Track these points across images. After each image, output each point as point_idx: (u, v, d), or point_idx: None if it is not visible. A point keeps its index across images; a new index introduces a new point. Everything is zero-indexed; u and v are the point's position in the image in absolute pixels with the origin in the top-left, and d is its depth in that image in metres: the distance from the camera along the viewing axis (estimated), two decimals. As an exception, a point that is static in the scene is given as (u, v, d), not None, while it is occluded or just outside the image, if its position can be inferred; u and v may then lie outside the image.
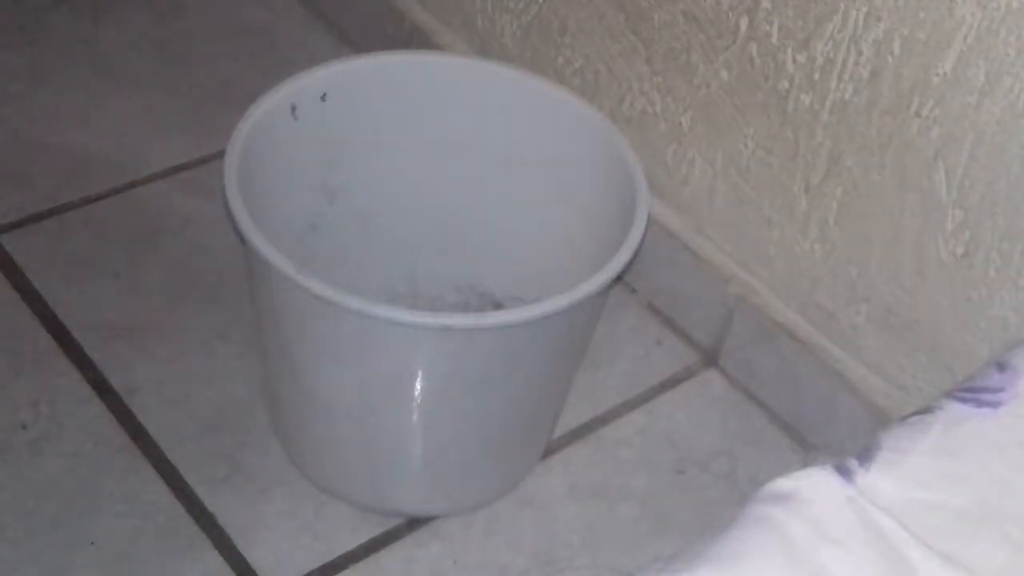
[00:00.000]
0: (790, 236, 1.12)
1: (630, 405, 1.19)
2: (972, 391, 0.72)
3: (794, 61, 1.05)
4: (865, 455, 0.67)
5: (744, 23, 1.07)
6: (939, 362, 1.04)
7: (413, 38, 1.42)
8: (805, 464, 0.67)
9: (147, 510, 1.04)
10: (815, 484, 0.65)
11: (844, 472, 0.66)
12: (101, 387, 1.13)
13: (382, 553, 1.05)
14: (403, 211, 1.16)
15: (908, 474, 0.66)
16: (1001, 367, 0.73)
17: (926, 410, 0.71)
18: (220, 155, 0.98)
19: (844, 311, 1.10)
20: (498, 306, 1.18)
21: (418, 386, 0.96)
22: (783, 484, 0.65)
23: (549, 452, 1.13)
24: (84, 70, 1.43)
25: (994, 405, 0.71)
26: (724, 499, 1.12)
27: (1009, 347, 0.76)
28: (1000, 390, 0.71)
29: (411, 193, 1.15)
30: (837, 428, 1.13)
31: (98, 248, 1.24)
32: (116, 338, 1.16)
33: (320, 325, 0.94)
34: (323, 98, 1.06)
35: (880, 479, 0.66)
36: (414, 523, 1.07)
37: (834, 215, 1.07)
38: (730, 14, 1.08)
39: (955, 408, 0.70)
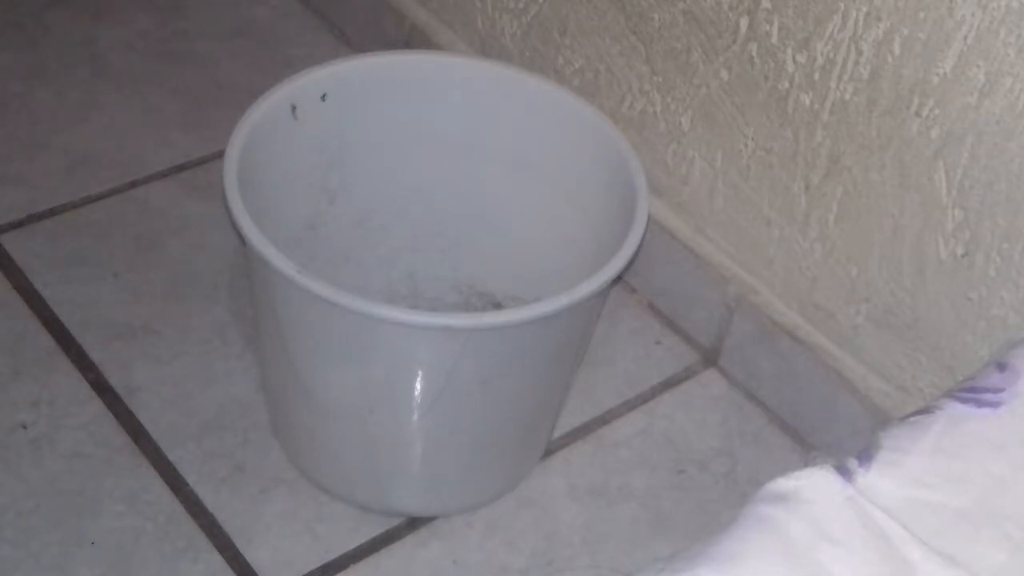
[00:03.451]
0: (790, 236, 1.12)
1: (630, 405, 1.19)
2: (972, 391, 0.72)
3: (794, 61, 1.05)
4: (865, 455, 0.67)
5: (744, 23, 1.07)
6: (939, 362, 1.04)
7: (413, 38, 1.42)
8: (805, 464, 0.67)
9: (147, 510, 1.04)
10: (815, 484, 0.65)
11: (844, 472, 0.66)
12: (101, 387, 1.13)
13: (382, 553, 1.05)
14: (403, 211, 1.16)
15: (908, 474, 0.66)
16: (1001, 367, 0.73)
17: (926, 410, 0.71)
18: (220, 155, 0.98)
19: (844, 311, 1.11)
20: (498, 306, 1.18)
21: (418, 386, 0.96)
22: (783, 484, 0.65)
23: (549, 452, 1.14)
24: (84, 70, 1.43)
25: (994, 405, 0.71)
26: (724, 499, 1.12)
27: (1009, 347, 0.76)
28: (1000, 390, 0.71)
29: (411, 193, 1.15)
30: (837, 428, 1.13)
31: (98, 248, 1.24)
32: (116, 338, 1.16)
33: (320, 325, 0.94)
34: (323, 98, 1.06)
35: (880, 479, 0.66)
36: (414, 523, 1.07)
37: (834, 215, 1.07)
38: (730, 14, 1.08)
39: (955, 408, 0.71)
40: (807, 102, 1.05)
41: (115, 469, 1.07)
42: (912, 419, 0.70)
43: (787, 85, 1.06)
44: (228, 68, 1.45)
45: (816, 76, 1.03)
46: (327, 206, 1.12)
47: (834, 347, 1.13)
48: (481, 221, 1.16)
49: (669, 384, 1.21)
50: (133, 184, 1.31)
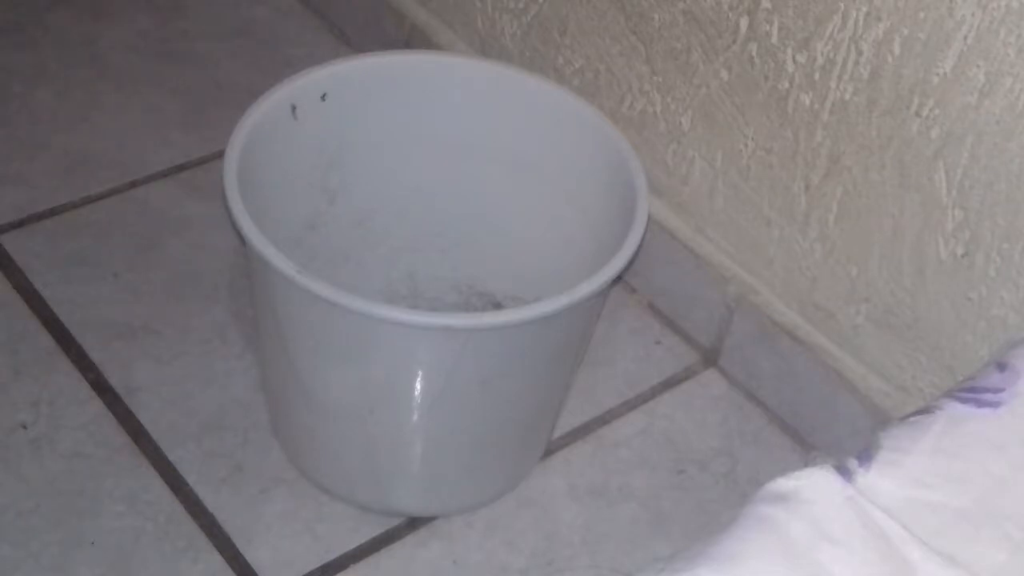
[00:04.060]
0: (790, 236, 1.12)
1: (630, 405, 1.19)
2: (972, 391, 0.72)
3: (794, 61, 1.05)
4: (865, 455, 0.67)
5: (744, 23, 1.07)
6: (939, 362, 1.05)
7: (413, 38, 1.42)
8: (805, 464, 0.67)
9: (147, 510, 1.04)
10: (815, 484, 0.65)
11: (844, 472, 0.66)
12: (101, 387, 1.13)
13: (382, 553, 1.05)
14: (403, 211, 1.16)
15: (908, 474, 0.66)
16: (1001, 367, 0.73)
17: (926, 410, 0.71)
18: (220, 155, 0.98)
19: (844, 311, 1.11)
20: (498, 306, 1.18)
21: (418, 386, 0.96)
22: (783, 484, 0.65)
23: (549, 452, 1.14)
24: (84, 70, 1.43)
25: (994, 405, 0.71)
26: (724, 499, 1.12)
27: (1009, 347, 0.76)
28: (1000, 390, 0.71)
29: (411, 193, 1.15)
30: (837, 428, 1.13)
31: (98, 248, 1.24)
32: (116, 338, 1.16)
33: (320, 325, 0.94)
34: (323, 98, 1.06)
35: (880, 479, 0.66)
36: (414, 523, 1.07)
37: (834, 215, 1.07)
38: (730, 14, 1.08)
39: (955, 408, 0.71)
40: (807, 102, 1.05)
41: (115, 469, 1.07)
42: (912, 419, 0.70)
43: (787, 85, 1.06)
44: (228, 68, 1.45)
45: (816, 76, 1.03)
46: (327, 206, 1.12)
47: (834, 347, 1.13)
48: (481, 221, 1.16)
49: (669, 384, 1.21)
50: (133, 184, 1.31)
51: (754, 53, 1.08)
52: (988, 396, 0.71)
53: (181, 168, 1.33)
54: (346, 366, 0.97)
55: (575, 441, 1.15)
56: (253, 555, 1.03)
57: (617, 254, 0.96)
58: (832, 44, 1.01)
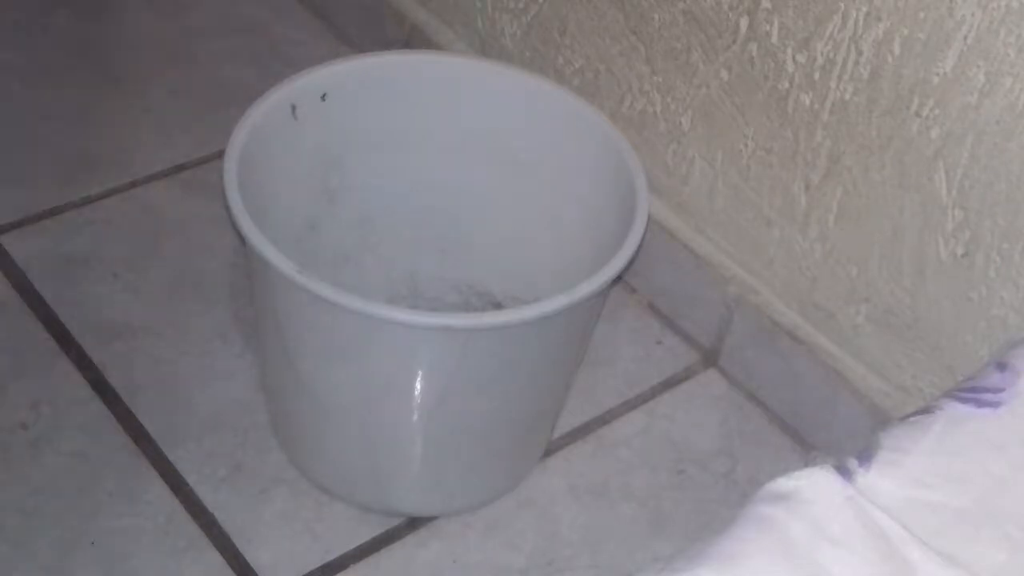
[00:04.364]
0: (790, 236, 1.12)
1: (630, 405, 1.19)
2: (972, 391, 0.72)
3: (794, 61, 1.05)
4: (865, 455, 0.67)
5: (744, 23, 1.07)
6: (939, 362, 1.04)
7: (413, 38, 1.42)
8: (805, 464, 0.67)
9: (147, 510, 1.04)
10: (815, 484, 0.65)
11: (844, 472, 0.66)
12: (101, 387, 1.13)
13: (382, 553, 1.05)
14: (403, 211, 1.16)
15: (908, 474, 0.66)
16: (1001, 367, 0.73)
17: (926, 410, 0.71)
18: (220, 155, 0.98)
19: (844, 311, 1.11)
20: (498, 306, 1.18)
21: (418, 386, 0.96)
22: (783, 484, 0.65)
23: (549, 452, 1.14)
24: (84, 70, 1.43)
25: (994, 405, 0.71)
26: (724, 499, 1.12)
27: (1009, 347, 0.76)
28: (1000, 390, 0.71)
29: (411, 193, 1.15)
30: (837, 428, 1.13)
31: (98, 248, 1.24)
32: (116, 338, 1.16)
33: (320, 325, 0.94)
34: (323, 98, 1.06)
35: (880, 479, 0.66)
36: (414, 523, 1.07)
37: (834, 215, 1.07)
38: (730, 14, 1.08)
39: (955, 408, 0.71)
40: (807, 102, 1.05)
41: (115, 469, 1.07)
42: (912, 419, 0.70)
43: (787, 85, 1.06)
44: (228, 68, 1.45)
45: (816, 76, 1.03)
46: (327, 206, 1.12)
47: (834, 347, 1.13)
48: (481, 221, 1.16)
49: (669, 384, 1.21)
50: (133, 184, 1.31)
51: (754, 53, 1.08)
52: (988, 396, 0.71)
53: (181, 168, 1.33)
54: (346, 366, 0.97)
55: (575, 441, 1.15)
56: (253, 555, 1.03)
57: (617, 254, 0.96)
58: (832, 44, 1.01)
